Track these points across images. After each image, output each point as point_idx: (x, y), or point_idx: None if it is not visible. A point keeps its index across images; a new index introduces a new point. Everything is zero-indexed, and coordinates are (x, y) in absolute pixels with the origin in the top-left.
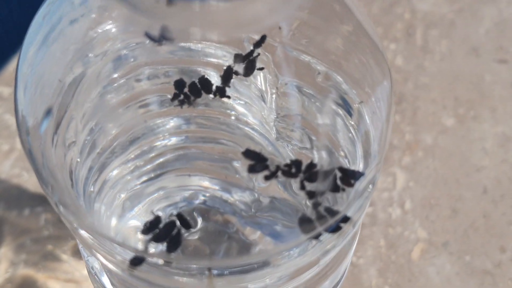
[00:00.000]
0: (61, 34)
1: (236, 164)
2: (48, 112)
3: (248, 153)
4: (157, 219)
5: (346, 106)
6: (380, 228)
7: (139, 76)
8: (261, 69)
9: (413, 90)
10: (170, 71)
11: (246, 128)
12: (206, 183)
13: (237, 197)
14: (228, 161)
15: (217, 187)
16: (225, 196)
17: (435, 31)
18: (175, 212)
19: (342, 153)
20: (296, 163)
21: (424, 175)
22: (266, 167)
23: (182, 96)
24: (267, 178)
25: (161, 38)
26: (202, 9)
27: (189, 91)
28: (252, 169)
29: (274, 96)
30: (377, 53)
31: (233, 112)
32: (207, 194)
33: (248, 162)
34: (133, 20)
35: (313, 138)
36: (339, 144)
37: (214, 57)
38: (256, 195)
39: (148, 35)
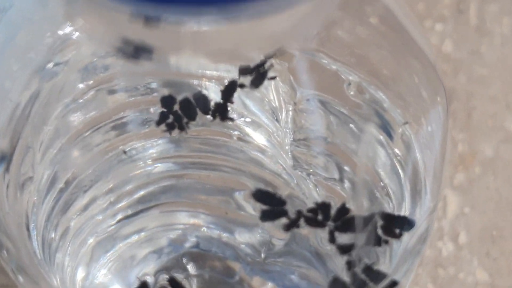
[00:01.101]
0: (12, 42)
1: (239, 195)
2: None
3: (260, 195)
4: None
5: (386, 128)
6: (427, 268)
7: (114, 87)
8: (273, 78)
9: (467, 85)
10: (154, 83)
11: (254, 152)
12: (200, 220)
13: (241, 238)
14: (229, 192)
15: (214, 226)
16: (226, 237)
17: (493, 6)
18: (166, 277)
19: (383, 192)
20: (323, 207)
21: (483, 198)
22: (283, 213)
23: (171, 118)
24: (286, 228)
25: (138, 54)
26: (196, 35)
27: (181, 110)
28: (265, 216)
29: (290, 113)
30: (425, 62)
31: (236, 132)
32: (202, 235)
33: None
34: (102, 31)
35: (344, 167)
36: (379, 178)
37: (213, 69)
38: (266, 235)
39: (123, 51)
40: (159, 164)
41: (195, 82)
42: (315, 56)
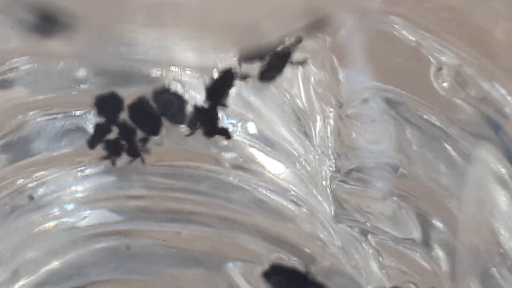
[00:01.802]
0: None
1: (234, 269)
2: None
3: (277, 274)
4: None
5: (509, 151)
6: None
7: (7, 77)
8: (302, 63)
9: None
10: (81, 70)
11: (262, 191)
12: None
13: None
14: (217, 264)
15: None
16: None
17: None
18: None
19: (504, 266)
20: None
21: None
22: None
23: (114, 132)
24: None
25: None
26: None
27: (132, 118)
28: None
29: (331, 122)
30: None
31: (230, 155)
32: None
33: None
34: None
35: (431, 221)
36: (498, 242)
37: (187, 49)
38: None
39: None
40: (88, 212)
41: (157, 72)
42: (382, 23)
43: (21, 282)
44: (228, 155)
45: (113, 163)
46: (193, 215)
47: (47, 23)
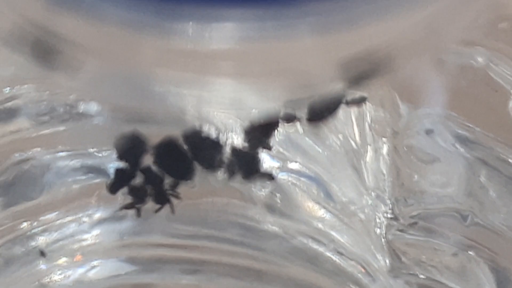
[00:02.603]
0: None
1: None
2: None
3: None
4: None
5: None
6: None
7: (8, 102)
8: (360, 102)
9: None
10: (93, 105)
11: (302, 240)
12: None
13: None
14: None
15: None
16: None
17: None
18: None
19: None
20: None
21: None
22: None
23: (138, 179)
24: None
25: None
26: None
27: (159, 164)
28: None
29: (385, 157)
30: None
31: (265, 195)
32: None
33: None
34: None
35: (510, 278)
36: None
37: (225, 93)
38: None
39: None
40: (98, 262)
41: (190, 112)
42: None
43: None
44: (264, 197)
45: (139, 215)
46: (216, 266)
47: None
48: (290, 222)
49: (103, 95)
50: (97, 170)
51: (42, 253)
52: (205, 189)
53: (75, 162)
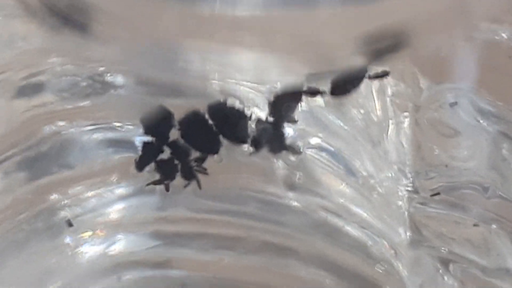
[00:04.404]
0: None
1: None
2: None
3: None
4: None
5: None
6: None
7: (37, 79)
8: (382, 76)
9: None
10: (118, 77)
11: (321, 213)
12: None
13: None
14: None
15: None
16: None
17: None
18: None
19: None
20: None
21: None
22: None
23: (166, 153)
24: None
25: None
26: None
27: (185, 138)
28: None
29: (406, 131)
30: None
31: (286, 173)
32: None
33: None
34: None
35: None
36: None
37: (248, 64)
38: None
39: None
40: (121, 237)
41: (214, 85)
42: (485, 32)
43: None
44: (286, 172)
45: (167, 189)
46: (238, 241)
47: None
48: (310, 197)
49: (131, 66)
50: (122, 145)
51: (70, 223)
52: (227, 166)
53: (99, 136)
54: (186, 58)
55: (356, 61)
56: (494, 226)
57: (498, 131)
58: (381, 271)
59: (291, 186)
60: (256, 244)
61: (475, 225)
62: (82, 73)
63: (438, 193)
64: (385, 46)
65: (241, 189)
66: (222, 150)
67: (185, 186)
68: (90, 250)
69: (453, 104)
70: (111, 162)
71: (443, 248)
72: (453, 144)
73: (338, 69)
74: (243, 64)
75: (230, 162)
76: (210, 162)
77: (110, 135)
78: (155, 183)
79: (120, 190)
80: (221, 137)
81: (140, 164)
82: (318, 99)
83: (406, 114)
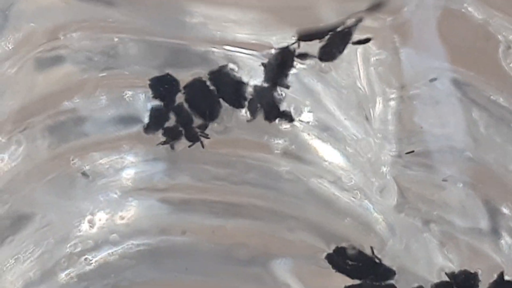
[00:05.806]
0: None
1: (280, 267)
2: None
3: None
4: None
5: None
6: None
7: (56, 52)
8: (364, 42)
9: None
10: (132, 45)
11: (315, 180)
12: None
13: None
14: (262, 261)
15: None
16: None
17: None
18: None
19: None
20: (462, 281)
21: None
22: None
23: (172, 118)
24: None
25: None
26: None
27: (189, 102)
28: None
29: (392, 104)
30: None
31: (281, 141)
32: None
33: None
34: None
35: (501, 208)
36: None
37: (245, 31)
38: None
39: None
40: (131, 200)
41: (214, 51)
42: (448, 0)
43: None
44: (280, 142)
45: (172, 148)
46: (239, 208)
47: None
48: (304, 165)
49: (143, 32)
50: (132, 119)
51: (85, 174)
52: (227, 137)
53: (112, 113)
54: (191, 19)
55: (341, 22)
56: (469, 189)
57: (469, 98)
58: (370, 235)
59: (285, 154)
60: (257, 210)
61: (451, 189)
62: (97, 48)
63: (412, 151)
64: (367, 6)
65: (240, 158)
66: (223, 115)
67: (190, 146)
68: (103, 216)
69: (433, 80)
70: (124, 130)
71: (425, 210)
72: (431, 112)
73: (324, 28)
74: (241, 21)
75: (229, 134)
76: (212, 134)
77: (121, 110)
78: (163, 143)
79: (130, 159)
80: (221, 101)
81: (148, 129)
82: (308, 66)
83: (393, 91)
